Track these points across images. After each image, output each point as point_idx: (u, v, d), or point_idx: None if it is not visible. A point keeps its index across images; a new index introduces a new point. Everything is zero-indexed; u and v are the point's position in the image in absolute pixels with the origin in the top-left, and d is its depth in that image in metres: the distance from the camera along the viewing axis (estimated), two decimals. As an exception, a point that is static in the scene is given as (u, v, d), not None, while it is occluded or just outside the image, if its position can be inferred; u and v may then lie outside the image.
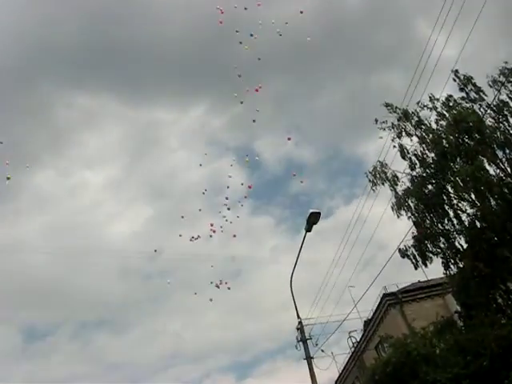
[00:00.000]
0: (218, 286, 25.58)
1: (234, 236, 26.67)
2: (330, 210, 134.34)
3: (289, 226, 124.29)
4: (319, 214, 18.97)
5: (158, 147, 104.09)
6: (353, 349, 34.11)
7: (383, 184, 24.83)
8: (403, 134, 24.68)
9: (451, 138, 22.97)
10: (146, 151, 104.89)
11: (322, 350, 20.55)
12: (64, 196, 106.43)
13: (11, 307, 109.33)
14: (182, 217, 27.84)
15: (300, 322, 20.28)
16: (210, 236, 26.09)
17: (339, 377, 38.54)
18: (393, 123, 24.98)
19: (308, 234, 19.39)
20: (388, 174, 24.85)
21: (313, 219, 19.01)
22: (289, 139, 31.79)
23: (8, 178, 22.93)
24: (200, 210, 27.96)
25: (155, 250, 29.08)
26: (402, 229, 24.41)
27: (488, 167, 22.48)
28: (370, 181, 25.02)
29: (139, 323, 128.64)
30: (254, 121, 26.02)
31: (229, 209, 26.45)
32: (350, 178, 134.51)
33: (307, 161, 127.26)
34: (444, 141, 23.27)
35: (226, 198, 27.11)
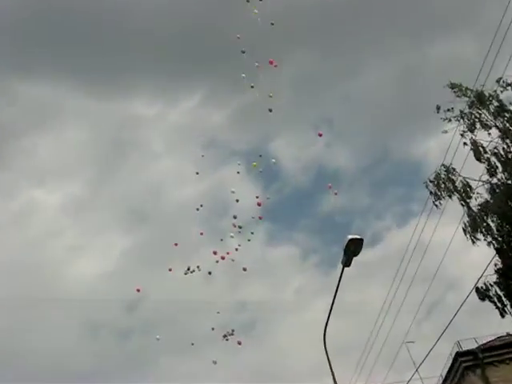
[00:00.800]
0: (226, 337, 19.34)
1: (245, 270, 20.13)
2: (377, 234, 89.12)
3: (320, 259, 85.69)
4: (361, 240, 12.47)
5: (137, 153, 75.32)
6: None
7: (450, 197, 19.01)
8: (477, 125, 18.97)
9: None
10: (119, 159, 77.67)
11: None
12: (6, 224, 73.09)
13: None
14: (176, 244, 21.39)
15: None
16: (209, 273, 19.83)
17: None
18: (462, 111, 19.71)
19: (346, 269, 12.88)
20: (457, 183, 19.02)
21: (353, 248, 12.54)
22: (320, 135, 23.75)
23: None
24: (201, 234, 21.26)
25: (138, 290, 22.22)
26: (480, 259, 17.64)
27: None
28: (431, 193, 19.36)
29: None
30: (270, 110, 19.40)
31: (232, 236, 20.05)
32: (403, 189, 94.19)
33: (343, 167, 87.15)
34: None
35: (235, 217, 20.66)
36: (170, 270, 20.86)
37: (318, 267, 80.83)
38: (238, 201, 21.21)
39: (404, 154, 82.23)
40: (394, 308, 15.83)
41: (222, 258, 19.98)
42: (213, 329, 20.70)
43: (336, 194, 22.54)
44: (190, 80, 73.27)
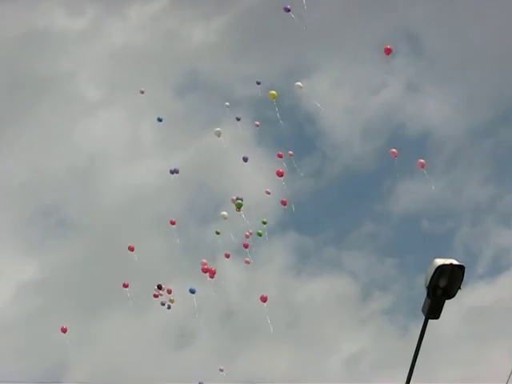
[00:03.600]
0: None
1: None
2: (502, 252, 50.26)
3: (393, 299, 45.48)
4: (462, 269, 6.47)
5: (54, 100, 45.43)
6: None
7: None
8: None
9: None
10: (13, 110, 45.66)
11: None
12: None
13: None
14: (126, 285, 17.49)
15: None
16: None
17: None
18: None
19: (434, 321, 7.02)
20: None
21: (444, 285, 6.61)
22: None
23: None
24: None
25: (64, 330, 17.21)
26: None
27: None
28: None
29: None
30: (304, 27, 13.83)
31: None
32: None
33: (437, 127, 49.04)
34: None
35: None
36: None
37: (389, 317, 43.51)
38: (239, 206, 15.93)
39: None
40: None
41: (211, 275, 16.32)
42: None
43: (395, 154, 16.42)
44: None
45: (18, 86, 40.40)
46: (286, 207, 19.03)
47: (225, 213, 18.71)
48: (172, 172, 19.41)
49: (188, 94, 41.10)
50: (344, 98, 43.54)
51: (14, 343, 32.93)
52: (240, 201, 17.54)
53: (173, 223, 19.48)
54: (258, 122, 19.45)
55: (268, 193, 18.74)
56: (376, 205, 47.89)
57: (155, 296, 17.92)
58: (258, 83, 19.54)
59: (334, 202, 47.79)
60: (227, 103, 18.39)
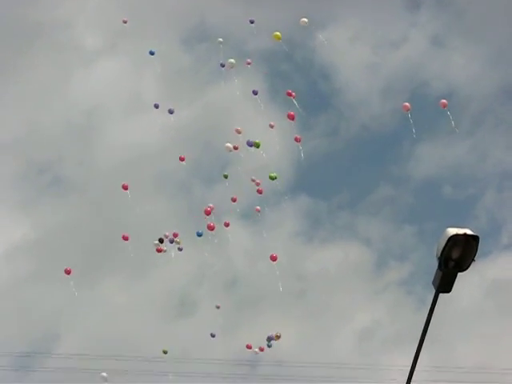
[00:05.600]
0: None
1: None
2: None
3: (410, 270, 44.84)
4: (476, 240, 6.05)
5: (42, 49, 46.28)
6: None
7: None
8: None
9: None
10: (5, 58, 44.91)
11: None
12: None
13: None
14: (126, 239, 15.75)
15: None
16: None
17: None
18: None
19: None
20: None
21: (456, 256, 6.23)
22: None
23: None
24: None
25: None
26: None
27: None
28: None
29: None
30: None
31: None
32: None
33: (463, 85, 48.81)
34: None
35: None
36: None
37: (405, 288, 42.18)
38: (258, 145, 15.19)
39: None
40: None
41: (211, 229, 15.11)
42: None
43: (445, 105, 15.70)
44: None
45: (8, 33, 36.86)
46: (299, 144, 17.77)
47: (232, 60, 17.17)
48: (170, 112, 18.17)
49: (196, 45, 37.90)
50: (363, 53, 40.18)
51: (3, 309, 31.08)
52: (258, 141, 16.58)
53: (125, 188, 17.95)
54: (265, 72, 17.97)
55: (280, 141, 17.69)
56: (394, 168, 44.92)
57: (158, 251, 16.67)
58: (252, 22, 18.16)
59: (350, 164, 44.96)
60: (232, 60, 16.99)
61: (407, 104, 16.95)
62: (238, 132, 17.42)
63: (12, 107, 37.42)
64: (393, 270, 40.49)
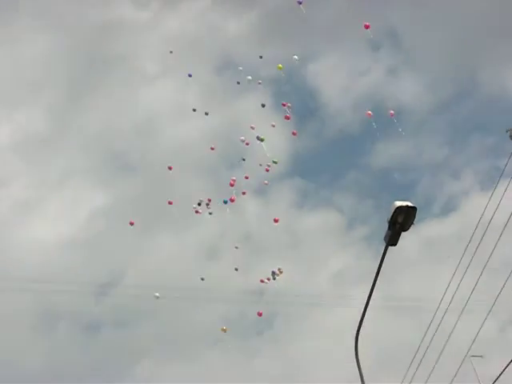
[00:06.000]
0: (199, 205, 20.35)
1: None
2: (452, 198, 67.28)
3: (370, 231, 58.15)
4: (414, 209, 8.79)
5: (121, 74, 56.20)
6: None
7: None
8: None
9: None
10: (95, 82, 58.32)
11: None
12: None
13: None
14: (170, 203, 19.61)
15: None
16: (210, 214, 20.74)
17: None
18: None
19: (405, 247, 9.33)
20: None
21: (400, 221, 8.94)
22: (299, 3, 19.63)
23: None
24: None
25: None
26: None
27: None
28: None
29: None
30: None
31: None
32: (493, 138, 61.38)
33: (410, 103, 60.82)
34: None
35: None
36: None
37: (367, 242, 58.31)
38: (262, 140, 20.37)
39: (496, 87, 63.17)
40: (469, 305, 11.81)
41: (232, 201, 20.62)
42: (224, 330, 20.99)
43: (392, 114, 21.03)
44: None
45: (96, 62, 54.16)
46: (295, 136, 24.26)
47: (249, 77, 22.63)
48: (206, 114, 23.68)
49: (223, 71, 50.74)
50: (339, 79, 58.61)
51: (88, 254, 50.04)
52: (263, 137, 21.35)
53: (170, 168, 23.64)
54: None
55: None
56: (361, 159, 68.25)
57: (196, 212, 21.55)
58: (261, 57, 24.14)
59: (329, 156, 63.87)
60: (249, 77, 22.07)
61: (370, 112, 21.37)
62: (252, 128, 22.29)
63: (97, 112, 54.11)
64: (358, 230, 62.63)
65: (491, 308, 9.82)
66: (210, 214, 21.33)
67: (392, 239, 9.15)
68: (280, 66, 21.38)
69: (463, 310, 9.58)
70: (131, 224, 23.09)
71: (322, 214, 58.59)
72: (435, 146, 61.73)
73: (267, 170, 22.15)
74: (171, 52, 26.06)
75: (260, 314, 20.73)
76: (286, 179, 53.56)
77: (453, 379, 11.26)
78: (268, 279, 20.89)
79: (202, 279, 21.76)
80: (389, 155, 58.40)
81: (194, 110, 23.53)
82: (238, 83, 23.33)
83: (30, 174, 56.78)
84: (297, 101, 54.76)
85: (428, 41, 58.76)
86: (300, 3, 20.47)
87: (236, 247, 22.70)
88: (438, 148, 62.97)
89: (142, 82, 53.85)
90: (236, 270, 21.65)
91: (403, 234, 9.13)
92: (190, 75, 24.82)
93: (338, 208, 61.86)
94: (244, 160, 22.74)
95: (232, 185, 21.38)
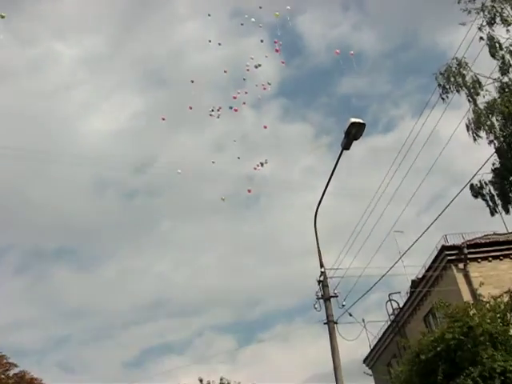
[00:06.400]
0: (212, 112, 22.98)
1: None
2: (392, 120, 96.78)
3: (333, 140, 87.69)
4: (363, 125, 12.51)
5: (160, 13, 73.56)
6: (393, 317, 26.76)
7: (458, 92, 18.51)
8: (497, 20, 18.17)
9: None
10: (142, 18, 76.08)
11: (350, 314, 14.57)
12: (21, 71, 71.60)
13: None
14: (191, 108, 23.29)
15: (323, 273, 14.32)
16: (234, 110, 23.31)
17: (371, 352, 30.07)
18: (483, 4, 18.44)
19: (357, 152, 13.10)
20: (467, 78, 18.40)
21: (353, 132, 12.64)
22: None
23: None
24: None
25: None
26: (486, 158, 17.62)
27: None
28: (439, 85, 18.72)
29: (113, 257, 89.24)
30: None
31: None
32: (425, 80, 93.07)
33: (368, 50, 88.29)
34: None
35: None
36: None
37: (330, 148, 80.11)
38: (259, 65, 22.92)
39: (431, 43, 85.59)
40: (397, 196, 16.04)
41: (235, 110, 23.54)
42: (223, 199, 23.95)
43: (352, 54, 23.63)
44: None
45: (142, 4, 73.81)
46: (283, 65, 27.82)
47: None
48: None
49: (234, 17, 67.20)
50: (318, 28, 77.22)
51: (128, 143, 70.05)
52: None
53: None
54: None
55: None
56: (330, 87, 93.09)
57: (210, 116, 23.80)
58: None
59: (307, 84, 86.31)
60: (253, 19, 24.28)
61: (337, 51, 24.80)
62: (252, 58, 24.34)
63: (143, 42, 67.02)
64: (323, 138, 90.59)
65: (411, 198, 13.81)
66: (218, 117, 24.14)
67: (346, 145, 12.88)
68: (277, 13, 24.32)
69: (392, 198, 13.46)
70: (163, 119, 26.17)
71: (298, 125, 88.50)
72: (383, 82, 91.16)
73: (265, 89, 24.81)
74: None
75: (249, 191, 25.02)
76: (274, 98, 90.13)
77: (379, 247, 15.32)
78: (258, 166, 24.27)
79: (213, 162, 25.33)
80: (350, 86, 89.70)
81: (210, 41, 25.89)
82: (242, 24, 26.10)
83: (93, 81, 78.21)
84: (287, 42, 66.59)
85: (384, 4, 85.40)
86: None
87: (234, 140, 27.81)
88: (385, 83, 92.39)
89: (175, 20, 69.25)
90: (238, 158, 25.67)
91: (355, 142, 12.87)
92: (209, 15, 27.81)
93: (310, 122, 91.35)
94: (244, 79, 25.37)
95: (235, 98, 24.40)
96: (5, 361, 23.11)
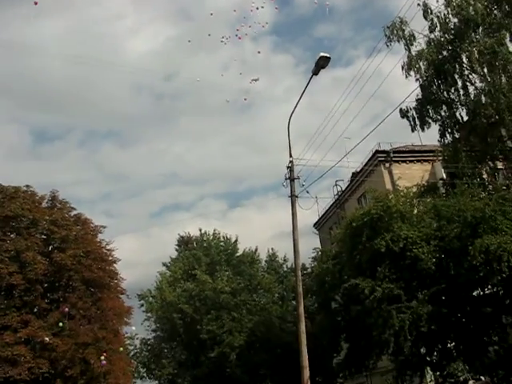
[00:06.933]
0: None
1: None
2: (351, 59, 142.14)
3: (307, 68, 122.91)
4: (329, 58, 18.61)
5: None
6: (337, 196, 36.03)
7: (398, 41, 24.20)
8: None
9: (479, 5, 22.19)
10: None
11: (307, 192, 20.73)
12: (87, 3, 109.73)
13: (24, 108, 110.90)
14: (209, 35, 28.06)
15: (291, 162, 20.38)
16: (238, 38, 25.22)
17: (319, 220, 40.66)
18: None
19: (325, 80, 19.39)
20: (406, 32, 24.15)
21: (321, 63, 18.70)
22: None
23: None
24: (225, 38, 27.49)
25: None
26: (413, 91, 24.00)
27: (509, 44, 21.96)
28: (386, 36, 24.26)
29: (145, 140, 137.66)
30: None
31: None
32: (377, 31, 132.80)
33: (339, 5, 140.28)
34: (471, 7, 22.43)
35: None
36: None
37: (305, 74, 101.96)
38: (261, 7, 24.77)
39: (384, 4, 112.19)
40: (349, 112, 22.24)
41: (239, 38, 24.57)
42: (227, 101, 30.15)
43: (328, 5, 26.67)
44: None
45: None
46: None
47: None
48: None
49: None
50: None
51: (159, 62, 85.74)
52: None
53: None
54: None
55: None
56: (311, 30, 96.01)
57: (221, 42, 24.95)
58: None
59: (296, 27, 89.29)
60: None
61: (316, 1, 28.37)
62: (253, 2, 25.43)
63: None
64: (302, 67, 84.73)
65: (357, 114, 20.15)
66: (225, 43, 26.02)
67: (316, 71, 19.01)
68: None
69: (344, 113, 19.74)
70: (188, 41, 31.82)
71: (285, 56, 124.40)
72: (347, 30, 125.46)
73: (263, 27, 26.66)
74: None
75: (245, 99, 36.41)
76: (268, 35, 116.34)
77: (332, 146, 22.07)
78: (252, 81, 26.07)
79: (222, 75, 32.23)
80: (323, 30, 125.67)
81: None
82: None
83: (136, 12, 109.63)
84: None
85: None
86: None
87: (235, 60, 31.97)
88: (349, 31, 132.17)
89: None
90: (240, 74, 31.71)
91: (322, 70, 19.03)
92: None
93: (293, 54, 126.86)
94: (245, 18, 27.15)
95: (238, 30, 26.44)
96: (68, 205, 29.97)
